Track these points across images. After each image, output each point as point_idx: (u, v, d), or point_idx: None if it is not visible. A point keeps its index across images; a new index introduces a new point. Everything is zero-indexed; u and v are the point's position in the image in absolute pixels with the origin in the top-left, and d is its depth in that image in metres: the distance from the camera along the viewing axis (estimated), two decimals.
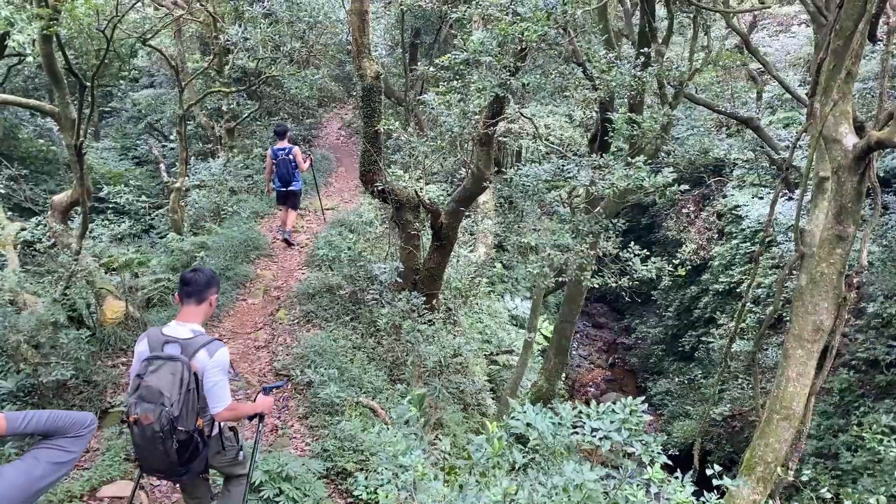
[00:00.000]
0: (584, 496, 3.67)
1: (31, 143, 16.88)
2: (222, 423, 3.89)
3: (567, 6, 7.04)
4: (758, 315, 14.09)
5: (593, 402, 4.32)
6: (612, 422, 4.11)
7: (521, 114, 9.15)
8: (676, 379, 16.96)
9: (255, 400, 4.14)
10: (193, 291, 3.74)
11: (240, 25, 13.34)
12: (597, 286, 10.08)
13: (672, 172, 7.60)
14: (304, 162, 11.24)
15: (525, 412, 4.22)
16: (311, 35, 14.40)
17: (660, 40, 10.94)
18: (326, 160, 17.88)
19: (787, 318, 7.53)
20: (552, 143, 12.95)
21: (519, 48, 7.30)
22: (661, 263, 9.61)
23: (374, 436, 6.16)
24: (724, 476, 3.97)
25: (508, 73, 7.26)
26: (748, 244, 15.85)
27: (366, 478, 5.29)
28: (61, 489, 5.33)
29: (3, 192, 13.54)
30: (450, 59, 7.42)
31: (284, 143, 10.97)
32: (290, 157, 10.91)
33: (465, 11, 7.98)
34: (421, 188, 9.93)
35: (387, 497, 3.57)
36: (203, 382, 3.53)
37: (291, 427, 6.92)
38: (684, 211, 19.07)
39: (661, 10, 13.04)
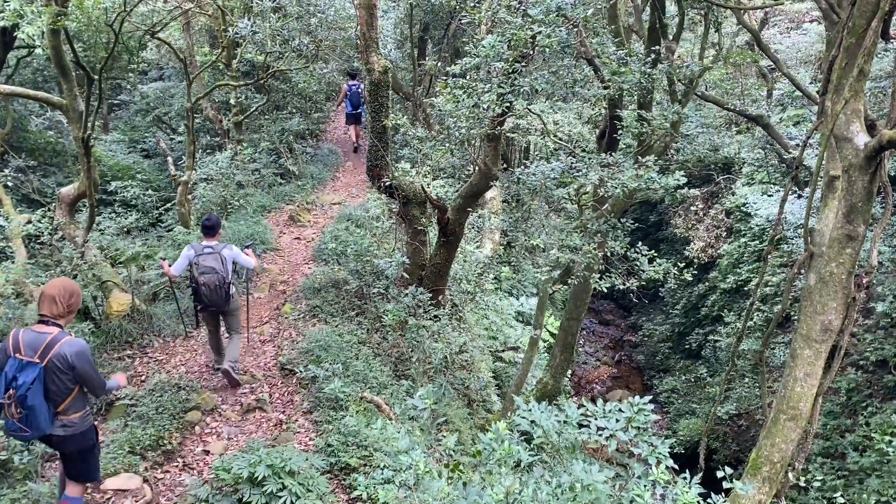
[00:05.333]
0: (592, 497, 3.64)
1: (40, 135, 16.93)
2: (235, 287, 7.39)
3: (578, 8, 6.98)
4: (766, 314, 14.01)
5: (599, 401, 4.29)
6: (617, 420, 4.08)
7: (530, 110, 9.09)
8: (683, 377, 16.88)
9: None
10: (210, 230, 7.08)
11: (249, 19, 13.34)
12: (604, 290, 10.04)
13: (683, 176, 7.56)
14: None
15: (530, 410, 4.19)
16: (320, 30, 14.42)
17: (670, 37, 10.86)
18: (334, 154, 17.85)
19: (796, 318, 7.47)
20: (561, 140, 12.90)
21: (531, 52, 7.24)
22: (667, 265, 9.53)
23: (378, 432, 6.15)
24: (732, 478, 3.94)
25: (518, 76, 7.22)
26: (757, 242, 15.73)
27: (365, 476, 5.27)
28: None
29: (11, 183, 13.58)
30: (462, 67, 7.47)
31: (355, 82, 16.15)
32: (360, 90, 15.77)
33: (474, 14, 7.95)
34: (428, 184, 9.91)
35: (386, 495, 3.55)
36: (236, 260, 7.09)
37: (296, 422, 6.92)
38: (693, 209, 18.95)
39: (671, 7, 12.96)
